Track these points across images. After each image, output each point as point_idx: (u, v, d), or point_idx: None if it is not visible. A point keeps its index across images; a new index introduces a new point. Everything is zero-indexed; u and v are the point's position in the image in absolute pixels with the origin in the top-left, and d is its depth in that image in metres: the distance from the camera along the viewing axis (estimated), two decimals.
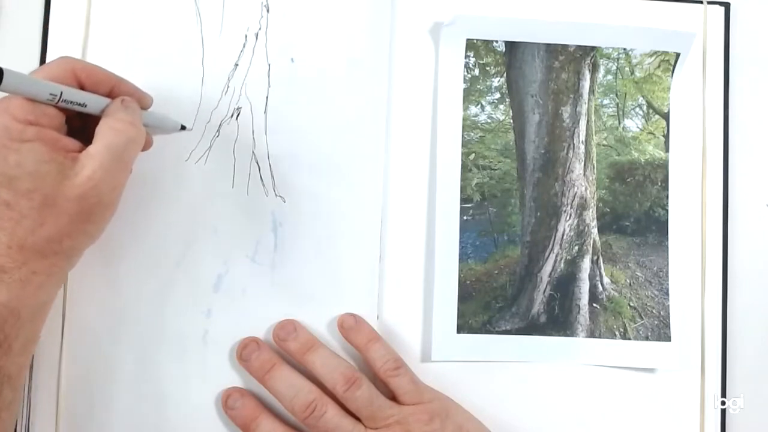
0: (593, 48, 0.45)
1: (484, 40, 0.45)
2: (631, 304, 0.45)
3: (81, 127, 0.35)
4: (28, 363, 0.35)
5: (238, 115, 0.43)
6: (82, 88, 0.34)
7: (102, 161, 0.32)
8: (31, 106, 0.32)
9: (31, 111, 0.32)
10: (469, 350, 0.43)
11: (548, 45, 0.45)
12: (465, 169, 0.44)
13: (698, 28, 0.46)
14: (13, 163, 0.31)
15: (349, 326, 0.41)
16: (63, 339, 0.40)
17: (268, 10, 0.43)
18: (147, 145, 0.38)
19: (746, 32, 0.47)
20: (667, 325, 0.44)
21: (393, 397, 0.40)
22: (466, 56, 0.45)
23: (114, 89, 0.36)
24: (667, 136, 0.46)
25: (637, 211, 0.45)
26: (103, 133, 0.33)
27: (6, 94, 0.31)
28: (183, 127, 0.41)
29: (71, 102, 0.33)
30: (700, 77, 0.46)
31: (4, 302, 0.31)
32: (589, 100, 0.45)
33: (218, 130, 0.42)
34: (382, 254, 0.43)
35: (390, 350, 0.41)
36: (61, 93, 0.32)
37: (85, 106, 0.34)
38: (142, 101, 0.37)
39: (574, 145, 0.45)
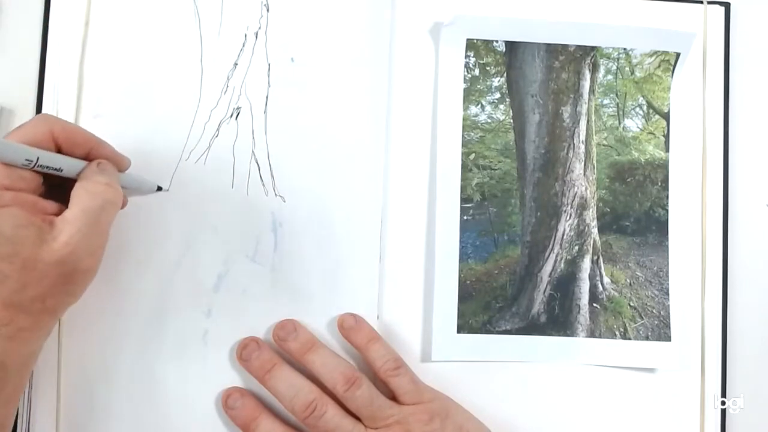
0: (593, 48, 0.45)
1: (484, 40, 0.45)
2: (631, 304, 0.45)
3: (59, 184, 0.35)
4: (14, 413, 0.35)
5: (237, 115, 0.43)
6: (59, 149, 0.34)
7: (79, 226, 0.32)
8: (7, 171, 0.32)
9: (7, 176, 0.32)
10: (469, 350, 0.43)
11: (548, 45, 0.45)
12: (465, 169, 0.44)
13: (698, 28, 0.46)
14: None
15: (349, 326, 0.41)
16: (63, 339, 0.40)
17: (267, 10, 0.43)
18: (123, 205, 0.37)
19: (746, 32, 0.47)
20: (667, 325, 0.44)
21: (393, 397, 0.40)
22: (466, 56, 0.45)
23: (92, 152, 0.35)
24: (667, 136, 0.46)
25: (637, 211, 0.45)
26: (79, 196, 0.33)
27: None
28: (159, 188, 0.40)
29: (47, 167, 0.33)
30: (700, 77, 0.46)
31: None
32: (589, 100, 0.45)
33: (217, 130, 0.42)
34: (382, 254, 0.43)
35: (390, 350, 0.41)
36: (38, 158, 0.32)
37: (61, 170, 0.33)
38: (120, 164, 0.37)
39: (574, 145, 0.45)
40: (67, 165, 0.34)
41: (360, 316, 0.42)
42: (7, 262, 0.31)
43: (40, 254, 0.31)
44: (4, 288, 0.31)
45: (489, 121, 0.45)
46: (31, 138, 0.33)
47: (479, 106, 0.45)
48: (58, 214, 0.33)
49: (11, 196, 0.32)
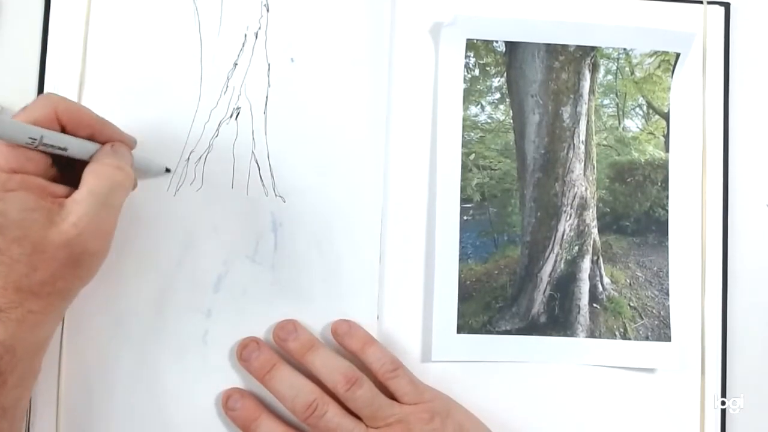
0: (593, 48, 0.45)
1: (484, 40, 0.45)
2: (631, 304, 0.45)
3: (69, 165, 0.35)
4: (26, 395, 0.35)
5: (237, 115, 0.43)
6: (63, 129, 0.34)
7: (87, 208, 0.32)
8: (14, 153, 0.32)
9: (15, 158, 0.32)
10: (469, 350, 0.43)
11: (548, 45, 0.45)
12: (465, 169, 0.44)
13: (698, 28, 0.46)
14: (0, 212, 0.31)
15: (343, 332, 0.41)
16: (63, 339, 0.40)
17: (267, 10, 0.43)
18: (134, 185, 0.38)
19: (746, 32, 0.47)
20: (667, 325, 0.44)
21: (393, 398, 0.40)
22: (466, 56, 0.45)
23: (96, 132, 0.35)
24: (667, 136, 0.46)
25: (637, 211, 0.45)
26: (88, 178, 0.33)
27: None
28: (167, 170, 0.41)
29: (52, 146, 0.32)
30: (700, 77, 0.46)
31: (0, 340, 0.31)
32: (589, 100, 0.45)
33: (217, 130, 0.42)
34: (382, 254, 0.43)
35: (386, 352, 0.41)
36: (42, 137, 0.32)
37: (66, 150, 0.33)
38: (126, 144, 0.37)
39: (574, 145, 0.45)
40: (72, 144, 0.34)
41: (353, 321, 0.42)
42: (16, 246, 0.31)
43: (49, 236, 0.31)
44: (13, 272, 0.31)
45: (489, 121, 0.45)
46: (35, 117, 0.33)
47: (479, 106, 0.45)
48: (68, 197, 0.33)
49: (19, 180, 0.32)
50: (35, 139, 0.32)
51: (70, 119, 0.34)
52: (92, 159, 0.34)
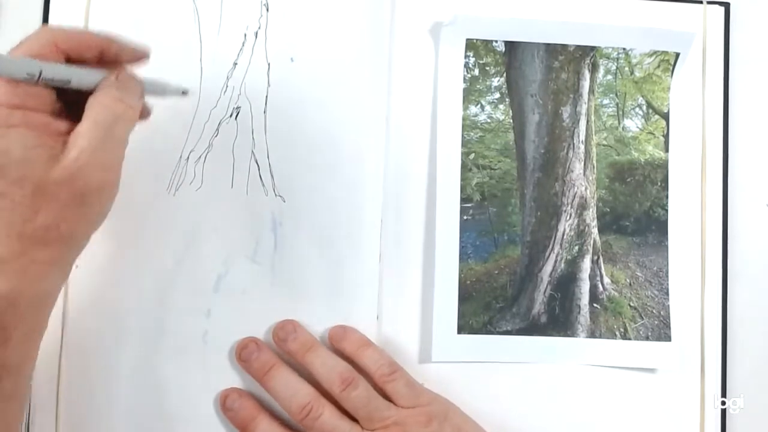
0: (593, 48, 0.45)
1: (484, 40, 0.45)
2: (632, 304, 0.45)
3: (76, 101, 0.33)
4: (32, 353, 0.33)
5: (237, 115, 0.43)
6: (68, 59, 0.32)
7: (89, 140, 0.31)
8: (15, 88, 0.30)
9: (15, 94, 0.30)
10: (469, 351, 0.43)
11: (548, 45, 0.45)
12: (465, 169, 0.44)
13: (698, 28, 0.46)
14: (1, 150, 0.29)
15: (339, 337, 0.41)
16: (63, 339, 0.40)
17: (267, 9, 0.43)
18: (145, 114, 0.36)
19: (746, 32, 0.47)
20: (667, 325, 0.44)
21: (390, 401, 0.40)
22: (466, 56, 0.45)
23: (103, 53, 0.33)
24: (666, 136, 0.46)
25: (637, 211, 0.45)
26: (90, 109, 0.31)
27: None
28: (185, 92, 0.38)
29: (53, 79, 0.31)
30: (700, 77, 0.46)
31: (1, 293, 0.30)
32: (589, 100, 0.45)
33: (217, 130, 0.42)
34: (382, 254, 0.43)
35: (383, 355, 0.41)
36: (41, 71, 0.30)
37: (70, 82, 0.31)
38: (133, 56, 0.34)
39: (574, 145, 0.45)
40: (76, 75, 0.32)
41: (349, 326, 0.41)
42: (18, 187, 0.29)
43: (51, 174, 0.30)
44: (16, 216, 0.30)
45: (489, 121, 0.45)
46: (34, 52, 0.31)
47: (479, 106, 0.45)
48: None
49: (20, 116, 0.30)
50: (34, 74, 0.30)
51: (72, 47, 0.32)
52: (95, 90, 0.32)
